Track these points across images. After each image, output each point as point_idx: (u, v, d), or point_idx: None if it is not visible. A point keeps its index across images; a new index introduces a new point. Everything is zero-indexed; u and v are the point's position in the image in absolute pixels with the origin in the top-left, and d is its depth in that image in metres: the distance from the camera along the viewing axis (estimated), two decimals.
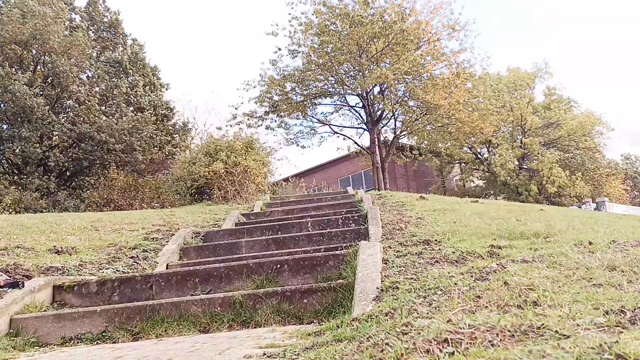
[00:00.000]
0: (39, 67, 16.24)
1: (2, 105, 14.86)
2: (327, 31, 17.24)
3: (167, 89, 20.29)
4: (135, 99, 17.74)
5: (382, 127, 20.61)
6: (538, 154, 24.85)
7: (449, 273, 2.57)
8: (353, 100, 19.99)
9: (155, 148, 17.39)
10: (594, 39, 73.36)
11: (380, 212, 5.80)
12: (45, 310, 3.20)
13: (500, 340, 1.29)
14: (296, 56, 18.58)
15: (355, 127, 20.79)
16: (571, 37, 73.40)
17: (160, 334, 2.84)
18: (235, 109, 18.67)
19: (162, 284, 3.50)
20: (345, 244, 4.40)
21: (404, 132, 20.61)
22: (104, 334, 2.92)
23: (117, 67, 17.84)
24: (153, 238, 5.38)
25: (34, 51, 15.89)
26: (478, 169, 27.58)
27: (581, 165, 25.95)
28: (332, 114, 20.29)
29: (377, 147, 19.23)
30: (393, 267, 3.05)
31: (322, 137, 20.53)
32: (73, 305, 3.41)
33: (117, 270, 4.07)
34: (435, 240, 3.79)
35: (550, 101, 27.37)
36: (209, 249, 4.99)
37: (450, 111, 18.00)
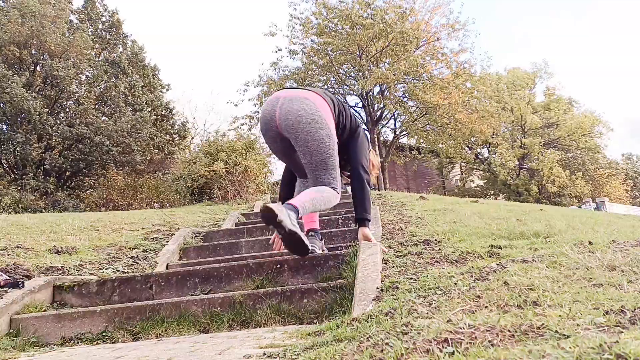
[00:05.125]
0: (38, 67, 16.23)
1: (0, 105, 14.86)
2: (327, 32, 17.24)
3: (167, 90, 20.31)
4: (134, 99, 17.73)
5: (382, 127, 20.61)
6: (538, 153, 24.85)
7: (449, 273, 2.56)
8: (353, 100, 19.98)
9: (155, 149, 17.39)
10: (592, 39, 73.27)
11: (380, 212, 5.80)
12: (45, 310, 3.20)
13: (500, 340, 1.29)
14: (296, 56, 18.60)
15: None
16: (570, 36, 73.37)
17: (160, 334, 2.83)
18: (235, 105, 18.73)
19: (162, 284, 3.50)
20: (345, 244, 4.39)
21: (404, 133, 20.61)
22: (104, 334, 2.91)
23: (116, 67, 17.83)
24: (153, 238, 5.37)
25: (33, 51, 15.88)
26: (478, 169, 27.57)
27: (581, 165, 25.97)
28: None
29: (377, 147, 19.23)
30: (393, 267, 3.04)
31: None
32: (73, 305, 3.41)
33: (117, 270, 4.07)
34: (435, 240, 3.78)
35: (549, 101, 27.38)
36: (209, 249, 4.98)
37: (449, 111, 18.00)
